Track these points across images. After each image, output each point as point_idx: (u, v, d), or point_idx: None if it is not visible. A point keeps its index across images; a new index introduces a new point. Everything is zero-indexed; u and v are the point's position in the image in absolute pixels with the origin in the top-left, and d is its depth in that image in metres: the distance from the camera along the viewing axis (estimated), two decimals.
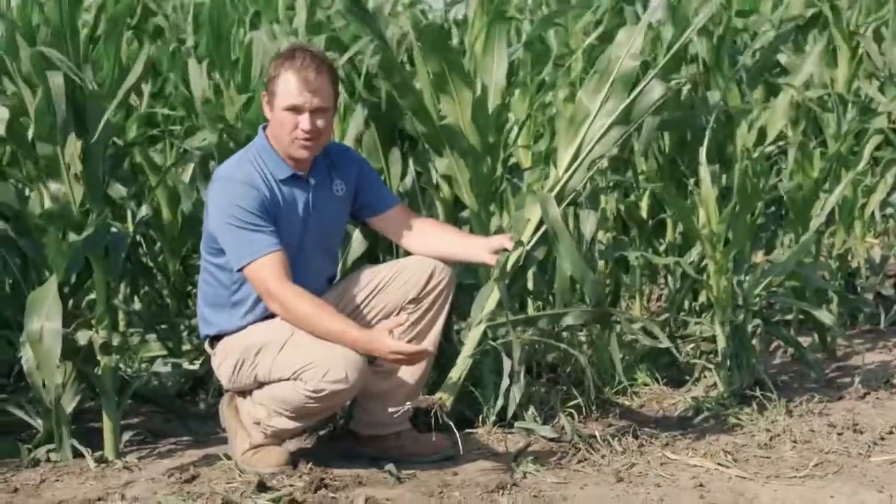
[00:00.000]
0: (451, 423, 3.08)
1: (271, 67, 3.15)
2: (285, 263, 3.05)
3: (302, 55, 3.10)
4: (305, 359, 3.01)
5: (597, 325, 3.60)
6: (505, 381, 3.33)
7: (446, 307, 3.24)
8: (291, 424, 3.12)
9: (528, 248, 3.28)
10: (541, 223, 3.29)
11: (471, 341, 3.23)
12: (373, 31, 3.37)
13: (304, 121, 3.07)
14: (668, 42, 3.89)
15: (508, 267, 3.24)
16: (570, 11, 4.18)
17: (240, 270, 3.07)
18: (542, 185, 3.88)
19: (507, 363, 3.30)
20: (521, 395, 3.33)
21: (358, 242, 3.49)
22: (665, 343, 3.49)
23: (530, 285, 3.94)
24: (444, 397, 3.10)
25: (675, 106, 3.99)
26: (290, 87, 3.07)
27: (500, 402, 3.34)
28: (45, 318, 3.09)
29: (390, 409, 3.11)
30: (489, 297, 3.27)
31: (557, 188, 3.31)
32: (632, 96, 3.27)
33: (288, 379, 3.04)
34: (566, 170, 3.32)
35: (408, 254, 3.33)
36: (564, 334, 3.70)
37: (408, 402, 3.10)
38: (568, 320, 3.39)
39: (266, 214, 3.08)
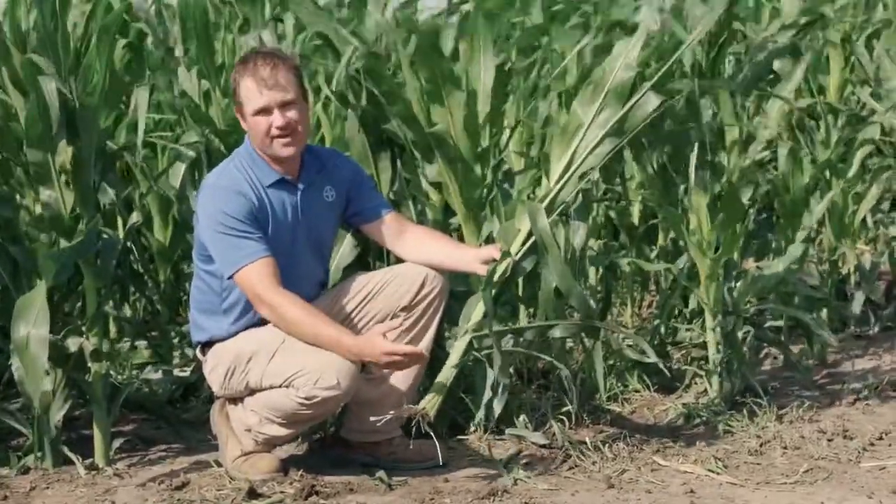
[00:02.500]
0: (431, 434, 3.07)
1: (232, 80, 3.18)
2: (275, 269, 3.05)
3: (253, 57, 3.15)
4: (297, 365, 3.00)
5: (584, 336, 3.61)
6: (487, 393, 3.33)
7: (438, 315, 3.24)
8: (283, 431, 3.12)
9: (516, 258, 3.28)
10: (530, 233, 3.29)
11: (456, 351, 3.23)
12: (327, 27, 3.40)
13: (277, 118, 3.08)
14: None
15: (495, 277, 3.24)
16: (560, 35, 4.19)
17: (230, 278, 3.08)
18: (534, 193, 3.89)
19: (489, 375, 3.30)
20: (501, 407, 3.34)
21: (348, 249, 3.49)
22: (652, 358, 3.50)
23: (521, 293, 3.93)
24: (427, 407, 3.09)
25: (669, 116, 3.99)
26: (250, 91, 3.09)
27: (480, 414, 3.36)
28: (32, 324, 3.08)
29: (372, 419, 3.11)
30: (476, 307, 3.27)
31: (548, 199, 3.31)
32: (625, 108, 3.27)
33: (279, 386, 3.04)
34: (557, 181, 3.32)
35: (399, 261, 3.33)
36: (554, 343, 3.70)
37: (391, 411, 3.10)
38: (555, 333, 3.39)
39: (254, 221, 3.08)
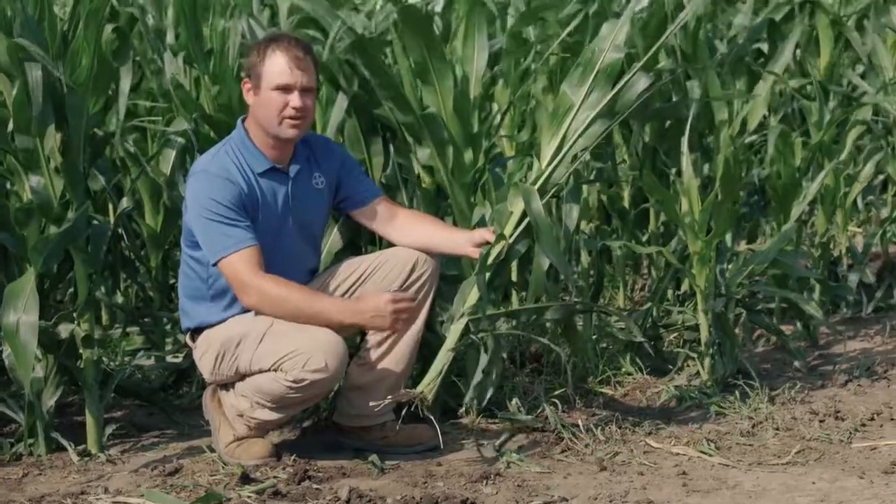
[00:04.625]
0: (431, 417, 3.08)
1: (253, 54, 3.15)
2: (260, 258, 3.04)
3: (286, 38, 3.15)
4: (285, 349, 3.00)
5: (576, 318, 3.62)
6: (478, 375, 3.34)
7: (429, 298, 3.24)
8: (274, 416, 3.12)
9: (510, 241, 3.28)
10: (523, 216, 3.29)
11: (452, 335, 3.23)
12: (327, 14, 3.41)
13: (295, 99, 3.08)
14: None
15: (490, 260, 3.24)
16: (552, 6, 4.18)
17: (215, 264, 3.07)
18: (525, 176, 3.88)
19: (482, 359, 3.31)
20: (493, 390, 3.34)
21: (339, 234, 3.49)
22: (639, 338, 3.53)
23: (514, 277, 3.94)
24: (426, 391, 3.10)
25: (656, 97, 3.99)
26: (279, 66, 3.08)
27: (470, 394, 3.37)
28: (21, 311, 3.07)
29: (371, 404, 3.11)
30: (471, 291, 3.27)
31: (540, 181, 3.31)
32: (615, 89, 3.26)
33: (268, 370, 3.03)
34: (549, 163, 3.32)
35: (391, 245, 3.32)
36: (547, 325, 3.70)
37: (388, 396, 3.11)
38: (549, 315, 3.39)
39: (242, 209, 3.07)
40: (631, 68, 3.33)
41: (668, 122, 4.08)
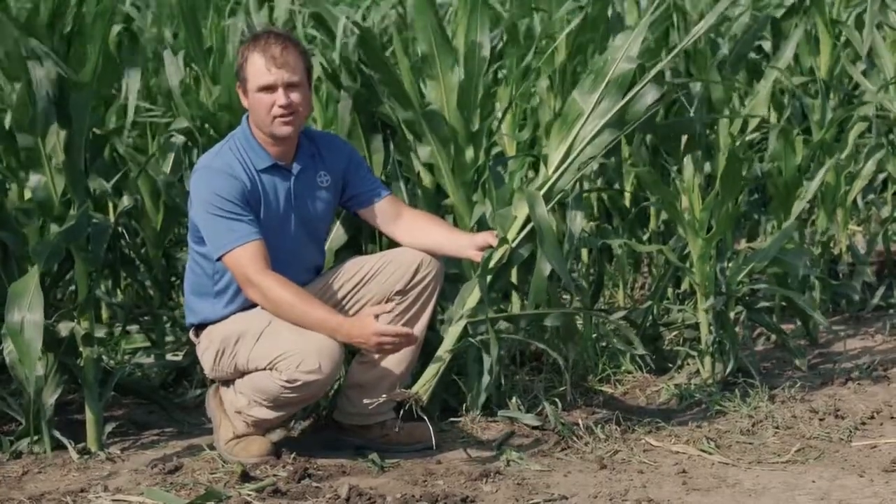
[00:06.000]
0: (425, 418, 3.08)
1: (238, 55, 3.17)
2: (265, 252, 3.05)
3: (265, 36, 3.14)
4: (280, 348, 3.01)
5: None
6: (486, 378, 3.34)
7: (433, 300, 3.23)
8: (271, 414, 3.12)
9: (513, 245, 3.28)
10: (527, 221, 3.28)
11: (450, 337, 3.23)
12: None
13: (280, 97, 3.08)
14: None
15: (491, 264, 3.24)
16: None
17: (219, 259, 3.07)
18: (526, 175, 3.87)
19: (486, 360, 3.31)
20: (493, 389, 3.34)
21: (340, 232, 3.49)
22: (640, 350, 3.54)
23: (515, 280, 3.93)
24: (420, 391, 3.10)
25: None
26: (258, 67, 3.08)
27: (482, 398, 3.37)
28: (26, 309, 3.07)
29: (365, 401, 3.12)
30: (471, 293, 3.27)
31: (546, 187, 3.30)
32: (626, 98, 3.26)
33: (264, 368, 3.04)
34: (556, 169, 3.32)
35: (393, 244, 3.32)
36: (548, 326, 3.70)
37: (383, 395, 3.11)
38: (548, 321, 3.40)
39: (246, 204, 3.08)
40: (642, 78, 3.32)
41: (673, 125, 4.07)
